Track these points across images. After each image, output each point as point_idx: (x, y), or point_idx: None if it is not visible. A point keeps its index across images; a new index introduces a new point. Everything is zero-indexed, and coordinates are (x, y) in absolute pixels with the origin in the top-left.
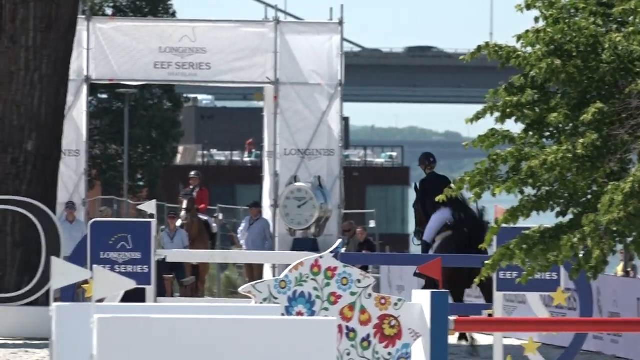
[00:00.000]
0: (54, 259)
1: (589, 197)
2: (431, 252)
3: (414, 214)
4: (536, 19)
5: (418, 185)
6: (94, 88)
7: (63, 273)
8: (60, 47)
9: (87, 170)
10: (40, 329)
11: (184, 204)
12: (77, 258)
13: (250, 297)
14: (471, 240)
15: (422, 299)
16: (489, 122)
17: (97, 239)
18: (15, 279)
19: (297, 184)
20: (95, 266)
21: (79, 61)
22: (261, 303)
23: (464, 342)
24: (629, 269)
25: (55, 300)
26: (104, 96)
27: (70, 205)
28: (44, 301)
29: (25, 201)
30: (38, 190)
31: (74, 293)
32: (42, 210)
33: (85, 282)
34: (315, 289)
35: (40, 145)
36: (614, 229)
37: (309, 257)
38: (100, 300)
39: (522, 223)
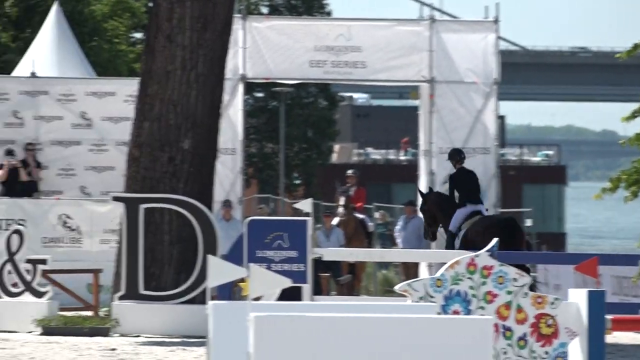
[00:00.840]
0: (210, 257)
1: None
2: (457, 241)
3: (423, 217)
4: None
5: (448, 179)
6: (250, 87)
7: (219, 271)
8: (216, 46)
9: (243, 169)
10: (197, 327)
11: (341, 202)
12: (233, 256)
13: (406, 296)
14: (501, 229)
15: (578, 297)
16: None
17: (254, 237)
18: (172, 277)
19: None
20: (251, 264)
21: (235, 60)
22: (417, 301)
23: None
24: None
25: (212, 298)
26: (260, 95)
27: (227, 204)
28: (201, 299)
29: (182, 199)
30: (195, 189)
31: (230, 291)
32: (198, 209)
33: (242, 280)
34: (472, 287)
35: (196, 144)
36: None
37: (465, 255)
38: (257, 299)
39: None
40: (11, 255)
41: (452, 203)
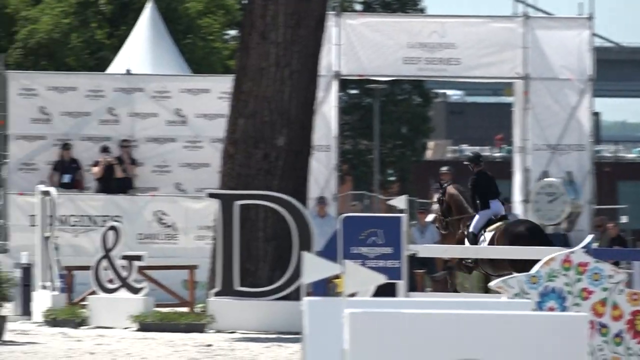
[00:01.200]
0: (305, 253)
1: None
2: (484, 244)
3: (439, 207)
4: None
5: (470, 183)
6: (344, 83)
7: (314, 268)
8: (310, 43)
9: (337, 166)
10: (292, 323)
11: (436, 198)
12: (328, 253)
13: (501, 292)
14: (529, 232)
15: None
16: None
17: (348, 234)
18: (267, 273)
19: (548, 179)
20: (346, 261)
21: (329, 57)
22: (512, 298)
23: None
24: None
25: (307, 294)
26: (354, 91)
27: (322, 200)
28: (296, 296)
29: (277, 196)
30: (289, 186)
31: (325, 288)
32: (293, 205)
33: (336, 276)
34: (567, 284)
35: (291, 141)
36: None
37: (560, 252)
38: (352, 295)
39: None
40: (107, 251)
41: (470, 200)
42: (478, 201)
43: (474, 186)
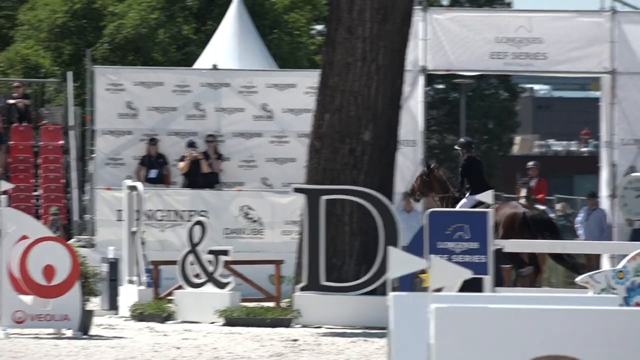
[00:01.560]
0: (391, 248)
1: None
2: None
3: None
4: None
5: (460, 167)
6: (430, 78)
7: (400, 263)
8: (396, 38)
9: (424, 160)
10: (378, 318)
11: (522, 193)
12: (414, 248)
13: (587, 288)
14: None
15: None
16: None
17: (435, 229)
18: (353, 268)
19: (635, 174)
20: (432, 256)
21: (415, 52)
22: (599, 293)
23: None
24: None
25: (393, 289)
26: (441, 86)
27: (408, 195)
28: (382, 290)
29: (363, 191)
30: (375, 181)
31: (411, 283)
32: (379, 200)
33: (423, 271)
34: None
35: (377, 136)
36: None
37: None
38: (438, 290)
39: None
40: (193, 246)
41: (454, 183)
42: (468, 185)
43: (463, 170)
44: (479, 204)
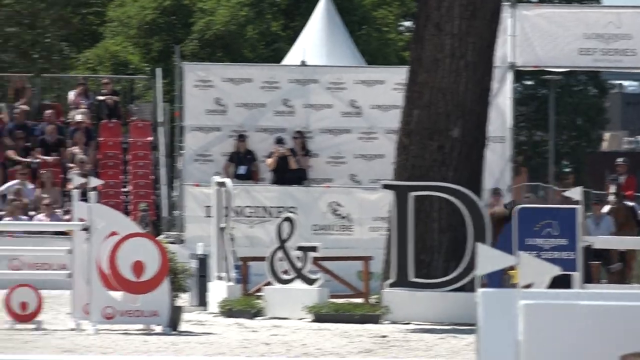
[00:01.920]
0: (479, 245)
1: None
2: None
3: None
4: None
5: None
6: (519, 75)
7: (488, 259)
8: (484, 34)
9: (512, 157)
10: (467, 315)
11: (611, 189)
12: (503, 244)
13: None
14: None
15: None
16: None
17: (524, 225)
18: (442, 264)
19: None
20: (521, 252)
21: (504, 48)
22: None
23: None
24: None
25: (482, 286)
26: (530, 83)
27: (497, 192)
28: (470, 287)
29: (452, 187)
30: (464, 177)
31: (500, 279)
32: (468, 197)
33: (511, 268)
34: None
35: (465, 132)
36: None
37: None
38: (527, 287)
39: None
40: (282, 242)
41: None
42: None
43: None
44: None
